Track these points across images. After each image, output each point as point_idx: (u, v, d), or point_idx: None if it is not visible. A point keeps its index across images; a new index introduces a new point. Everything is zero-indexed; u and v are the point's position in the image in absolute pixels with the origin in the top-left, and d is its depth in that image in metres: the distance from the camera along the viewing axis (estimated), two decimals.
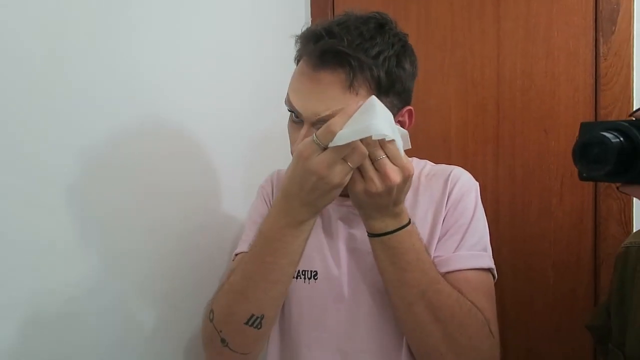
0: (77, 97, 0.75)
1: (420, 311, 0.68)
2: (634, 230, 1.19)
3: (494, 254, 0.79)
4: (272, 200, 0.90)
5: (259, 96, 1.24)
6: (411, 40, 0.74)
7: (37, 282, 0.70)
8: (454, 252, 0.76)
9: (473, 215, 0.79)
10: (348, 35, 0.67)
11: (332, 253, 0.82)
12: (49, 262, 0.72)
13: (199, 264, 1.04)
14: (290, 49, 0.76)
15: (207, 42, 1.06)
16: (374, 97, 0.61)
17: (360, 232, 0.79)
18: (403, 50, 0.71)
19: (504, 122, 1.39)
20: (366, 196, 0.63)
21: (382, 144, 0.60)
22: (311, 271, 0.82)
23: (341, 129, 0.58)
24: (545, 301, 1.36)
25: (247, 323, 0.70)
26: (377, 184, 0.62)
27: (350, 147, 0.58)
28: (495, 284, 0.78)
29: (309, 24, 0.75)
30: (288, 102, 0.72)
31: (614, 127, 0.48)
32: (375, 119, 0.58)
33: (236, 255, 0.87)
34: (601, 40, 1.27)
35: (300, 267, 0.80)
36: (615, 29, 1.25)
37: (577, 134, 0.52)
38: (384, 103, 0.68)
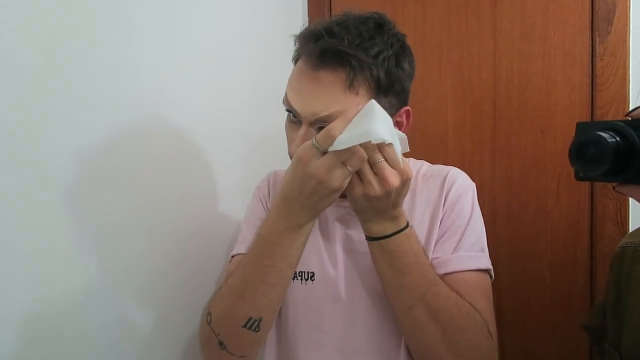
0: (75, 98, 0.75)
1: (419, 313, 0.68)
2: (630, 230, 1.20)
3: (491, 254, 0.79)
4: (269, 202, 0.90)
5: (257, 96, 1.24)
6: (408, 41, 0.75)
7: (35, 283, 0.70)
8: (452, 254, 0.76)
9: (470, 216, 0.79)
10: (348, 34, 0.66)
11: (329, 254, 0.82)
12: (46, 263, 0.71)
13: (197, 265, 1.04)
14: (288, 49, 0.75)
15: (205, 42, 1.06)
16: (373, 101, 0.61)
17: (357, 233, 0.79)
18: (402, 50, 0.72)
19: (500, 122, 1.39)
20: (365, 200, 0.63)
21: (381, 147, 0.60)
22: (308, 272, 0.81)
23: (341, 134, 0.58)
24: (541, 301, 1.36)
25: (245, 326, 0.70)
26: (375, 188, 0.62)
27: (349, 151, 0.58)
28: (492, 284, 0.78)
29: (307, 24, 0.75)
30: (286, 101, 0.72)
31: (610, 127, 0.49)
32: (375, 123, 0.58)
33: (233, 257, 0.87)
34: (597, 40, 1.27)
35: (297, 269, 0.80)
36: (611, 29, 1.25)
37: (573, 134, 0.52)
38: (382, 103, 0.68)
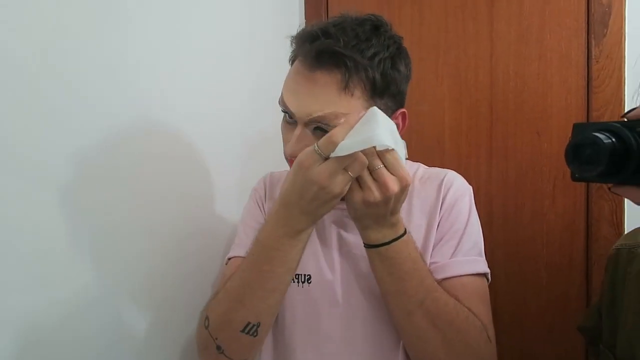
0: (74, 98, 0.75)
1: (418, 319, 0.68)
2: (626, 232, 1.20)
3: (487, 255, 0.79)
4: (265, 203, 0.90)
5: (256, 97, 1.24)
6: (405, 43, 0.75)
7: (34, 284, 0.69)
8: (450, 258, 0.76)
9: (468, 220, 0.79)
10: (344, 36, 0.66)
11: (325, 257, 0.82)
12: (46, 263, 0.71)
13: (197, 266, 1.04)
14: (285, 51, 0.75)
15: (202, 43, 1.06)
16: (375, 107, 0.61)
17: (354, 236, 0.79)
18: (398, 52, 0.71)
19: (497, 124, 1.39)
20: (364, 206, 0.63)
21: (380, 153, 0.60)
22: (305, 275, 0.81)
23: (343, 140, 0.58)
24: (538, 302, 1.36)
25: (243, 331, 0.70)
26: (375, 193, 0.62)
27: (351, 157, 0.58)
28: (489, 286, 0.79)
29: (304, 26, 0.75)
30: (282, 102, 0.72)
31: (606, 128, 0.49)
32: (378, 129, 0.58)
33: (229, 259, 0.87)
34: (593, 42, 1.27)
35: None
36: (607, 32, 1.26)
37: (569, 135, 0.52)
38: (378, 105, 0.68)
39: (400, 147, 0.62)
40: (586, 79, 1.30)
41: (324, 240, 0.83)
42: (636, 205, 0.50)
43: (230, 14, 1.17)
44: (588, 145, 0.48)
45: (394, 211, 0.65)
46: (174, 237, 0.97)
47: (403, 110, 0.75)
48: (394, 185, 0.61)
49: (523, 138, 1.37)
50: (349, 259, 0.81)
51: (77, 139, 0.75)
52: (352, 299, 0.79)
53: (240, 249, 0.85)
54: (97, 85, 0.78)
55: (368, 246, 0.69)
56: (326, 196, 0.61)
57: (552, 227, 1.35)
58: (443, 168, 0.86)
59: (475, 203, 0.82)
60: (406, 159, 0.66)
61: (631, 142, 0.47)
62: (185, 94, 1.00)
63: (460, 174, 0.85)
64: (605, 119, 1.27)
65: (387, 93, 0.70)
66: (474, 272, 0.76)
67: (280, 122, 0.76)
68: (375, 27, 0.70)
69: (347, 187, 0.62)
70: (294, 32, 0.74)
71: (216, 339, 0.71)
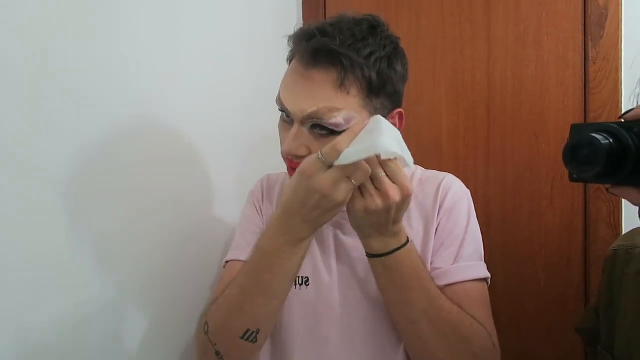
0: (74, 98, 0.74)
1: (423, 328, 0.68)
2: (623, 232, 1.20)
3: (485, 257, 0.79)
4: (262, 206, 0.90)
5: (254, 98, 1.24)
6: (402, 45, 0.75)
7: (33, 285, 0.69)
8: (452, 264, 0.76)
9: (467, 224, 0.79)
10: (340, 34, 0.67)
11: (323, 259, 0.82)
12: (45, 264, 0.71)
13: (197, 267, 1.04)
14: (282, 51, 0.75)
15: (202, 43, 1.06)
16: (379, 115, 0.61)
17: (351, 239, 0.79)
18: (394, 52, 0.71)
19: (494, 125, 1.39)
20: (365, 213, 0.63)
21: (383, 161, 0.60)
22: (302, 277, 0.81)
23: (347, 147, 0.57)
24: (536, 303, 1.36)
25: (242, 337, 0.69)
26: (377, 201, 0.61)
27: (355, 165, 0.58)
28: (487, 287, 0.78)
29: (301, 25, 0.75)
30: (279, 100, 0.72)
31: (603, 128, 0.49)
32: (382, 137, 0.57)
33: (227, 262, 0.86)
34: (590, 44, 1.28)
35: None
36: (603, 33, 1.26)
37: (566, 137, 0.52)
38: (374, 104, 0.68)
39: (406, 154, 0.61)
40: (583, 80, 1.30)
41: (321, 242, 0.83)
42: (633, 206, 0.51)
43: (230, 14, 1.17)
44: (585, 145, 0.48)
45: (396, 220, 0.65)
46: (174, 237, 0.97)
47: (400, 109, 0.75)
48: (395, 194, 0.61)
49: (520, 139, 1.37)
50: (346, 261, 0.80)
51: (77, 139, 0.75)
52: (350, 301, 0.79)
53: (237, 252, 0.84)
54: (97, 85, 0.78)
55: (370, 255, 0.69)
56: (328, 204, 0.61)
57: (550, 228, 1.35)
58: (440, 170, 0.86)
59: (473, 205, 0.82)
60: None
61: (628, 142, 0.47)
62: (185, 94, 1.00)
63: (457, 175, 0.85)
64: (602, 120, 1.27)
65: (383, 92, 0.70)
66: (476, 277, 0.76)
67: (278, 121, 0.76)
68: (372, 27, 0.70)
69: (350, 195, 0.62)
70: (292, 31, 0.74)
71: (215, 344, 0.71)
